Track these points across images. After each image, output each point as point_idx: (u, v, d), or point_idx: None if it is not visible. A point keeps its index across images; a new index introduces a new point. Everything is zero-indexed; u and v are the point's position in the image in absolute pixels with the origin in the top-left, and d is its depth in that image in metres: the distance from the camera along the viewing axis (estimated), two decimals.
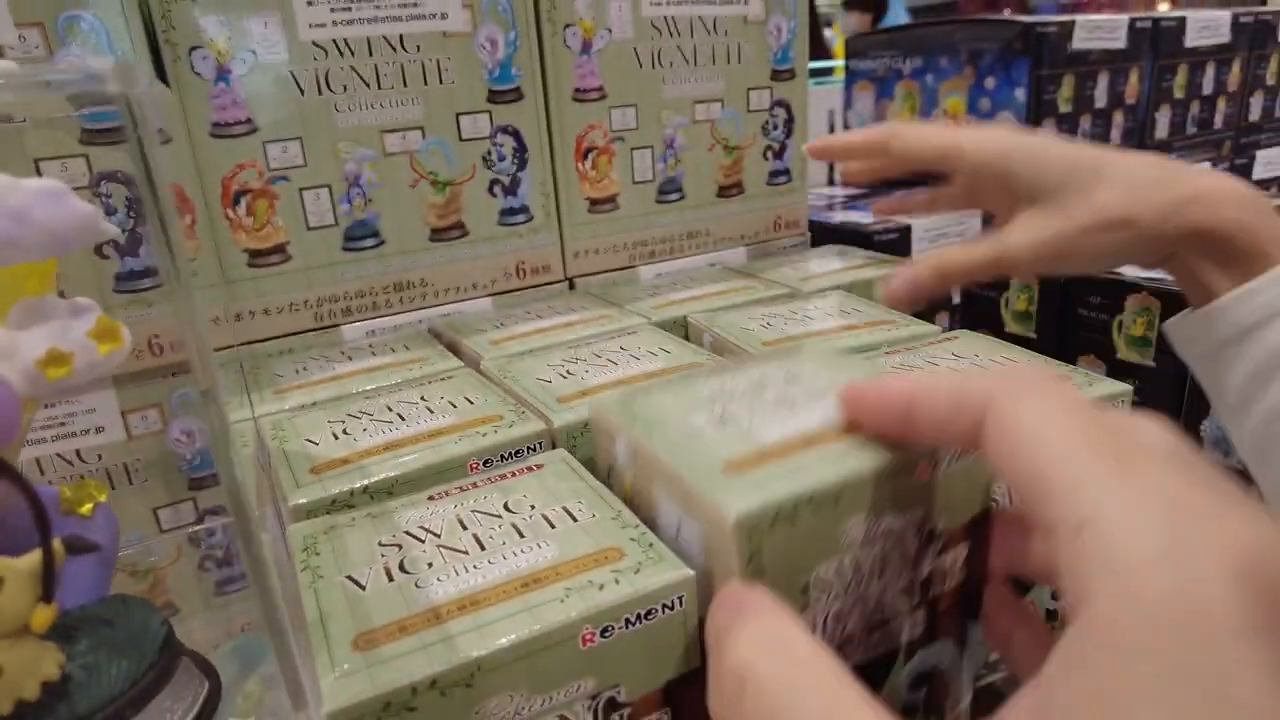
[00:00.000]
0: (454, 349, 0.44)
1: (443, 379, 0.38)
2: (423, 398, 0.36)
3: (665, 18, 0.51)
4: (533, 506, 0.27)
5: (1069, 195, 0.40)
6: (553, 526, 0.25)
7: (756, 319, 0.42)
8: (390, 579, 0.23)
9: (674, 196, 0.55)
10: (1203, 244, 0.39)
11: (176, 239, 0.16)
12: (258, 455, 0.34)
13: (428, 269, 0.48)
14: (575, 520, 0.26)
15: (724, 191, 0.56)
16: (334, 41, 0.43)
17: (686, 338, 0.43)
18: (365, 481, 0.29)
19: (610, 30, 0.49)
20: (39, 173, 0.39)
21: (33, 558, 0.18)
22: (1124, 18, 0.74)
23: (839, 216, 0.70)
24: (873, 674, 0.27)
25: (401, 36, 0.44)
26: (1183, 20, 0.78)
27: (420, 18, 0.44)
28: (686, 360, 0.38)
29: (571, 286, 0.53)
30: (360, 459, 0.31)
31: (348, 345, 0.46)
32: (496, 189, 0.49)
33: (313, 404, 0.38)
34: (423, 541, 0.25)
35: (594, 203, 0.52)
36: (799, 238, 0.60)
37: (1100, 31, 0.73)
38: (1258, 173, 0.88)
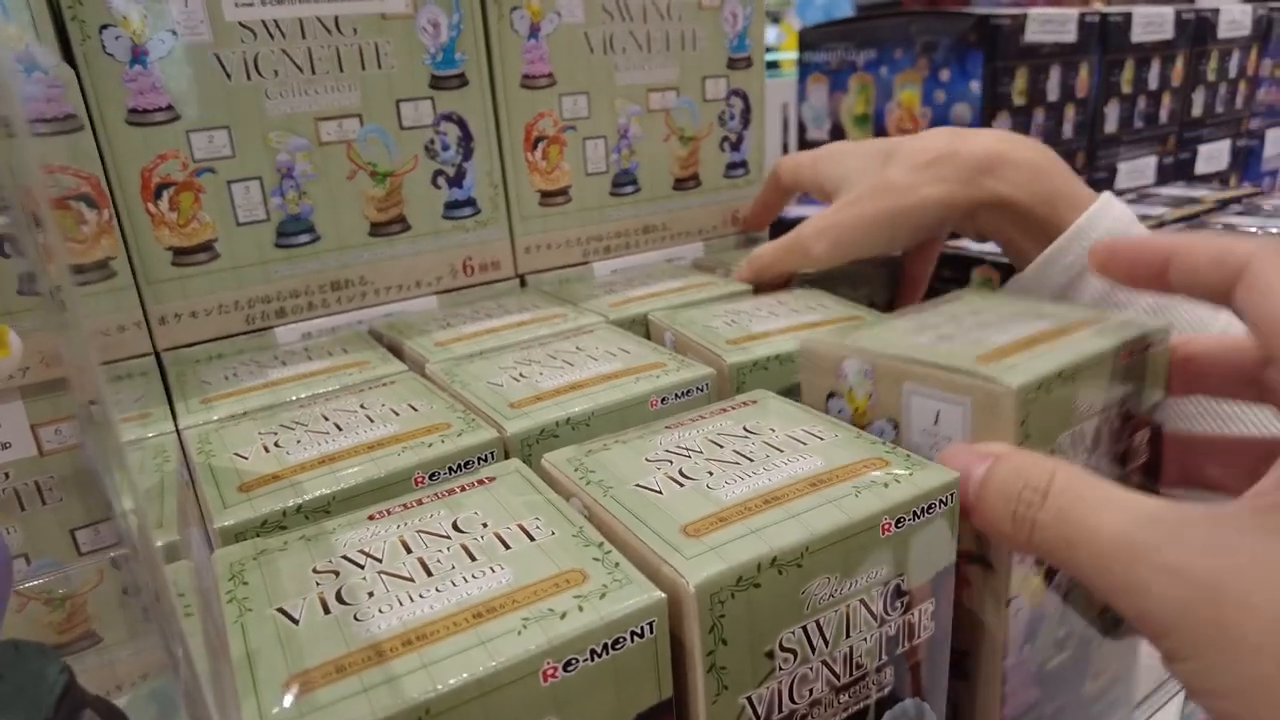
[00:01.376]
0: (396, 351, 0.41)
1: (384, 384, 0.36)
2: (362, 405, 0.33)
3: (616, 1, 0.48)
4: (484, 525, 0.24)
5: (861, 182, 0.43)
6: (507, 547, 0.23)
7: (720, 316, 0.41)
8: (326, 611, 0.21)
9: (629, 189, 0.52)
10: (1002, 212, 0.41)
11: (50, 241, 0.13)
12: (180, 472, 0.31)
13: (367, 266, 0.45)
14: (532, 539, 0.23)
15: (680, 184, 0.54)
16: (263, 22, 0.40)
17: (647, 336, 0.41)
18: (299, 500, 0.27)
19: (559, 14, 0.47)
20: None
21: None
22: (1074, 12, 0.74)
23: (795, 211, 0.69)
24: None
25: (337, 18, 0.41)
26: (1129, 16, 0.78)
27: None
28: (648, 360, 0.35)
29: (523, 284, 0.51)
30: (293, 474, 0.28)
31: (281, 349, 0.43)
32: (440, 180, 0.46)
33: (243, 414, 0.35)
34: (362, 567, 0.23)
35: (545, 195, 0.50)
36: (758, 232, 0.58)
37: (1051, 25, 0.72)
38: (1200, 167, 0.89)
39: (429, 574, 0.22)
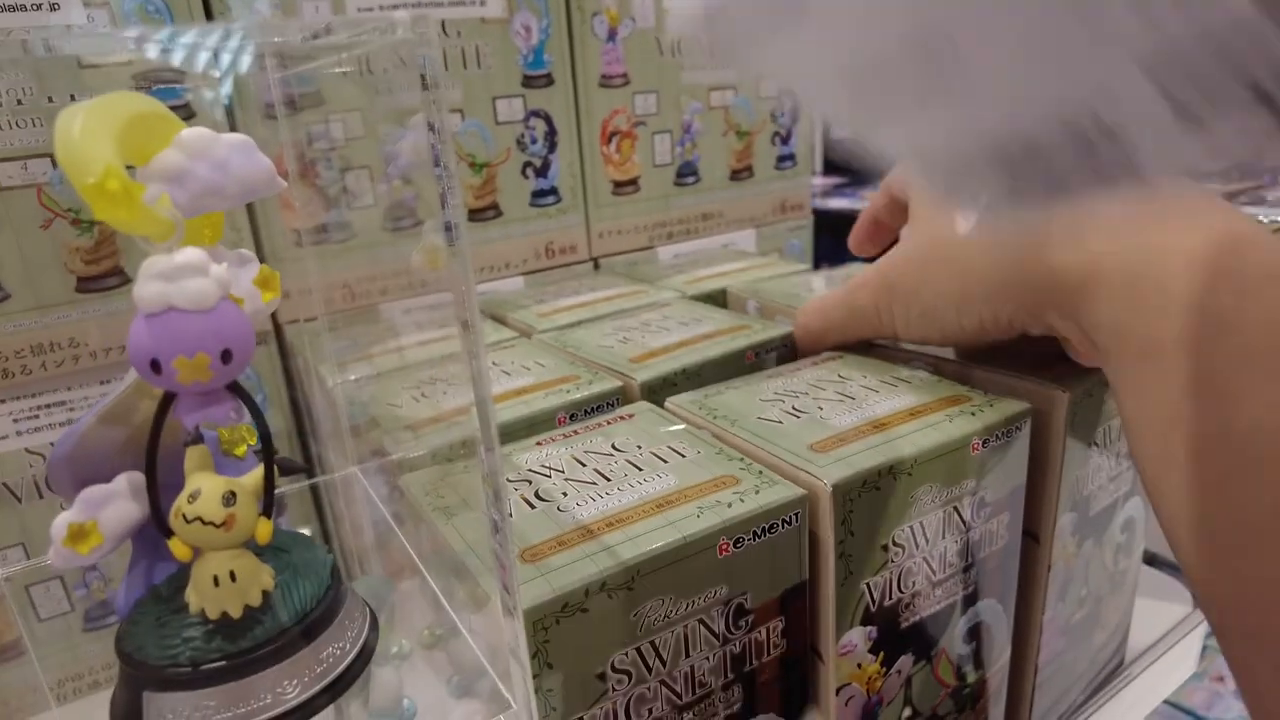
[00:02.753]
0: (501, 323, 0.46)
1: (505, 348, 0.40)
2: (494, 363, 0.38)
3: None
4: (639, 446, 0.29)
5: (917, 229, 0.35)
6: (665, 461, 0.28)
7: (796, 287, 0.45)
8: (532, 506, 0.26)
9: (690, 179, 0.57)
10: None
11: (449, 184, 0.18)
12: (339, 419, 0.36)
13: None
14: (683, 456, 0.28)
15: (736, 175, 0.59)
16: None
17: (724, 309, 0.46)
18: (467, 434, 0.31)
19: (634, 19, 0.52)
20: None
21: (255, 476, 0.20)
22: None
23: (832, 202, 0.74)
24: (935, 627, 0.30)
25: (444, 21, 0.46)
26: None
27: (461, 3, 0.46)
28: (736, 323, 0.40)
29: (596, 266, 0.55)
30: (453, 416, 0.33)
31: (385, 322, 0.47)
32: (529, 171, 0.51)
33: (376, 375, 0.39)
34: (548, 477, 0.27)
35: (617, 185, 0.54)
36: (803, 219, 0.63)
37: None
38: None
39: (607, 479, 0.27)
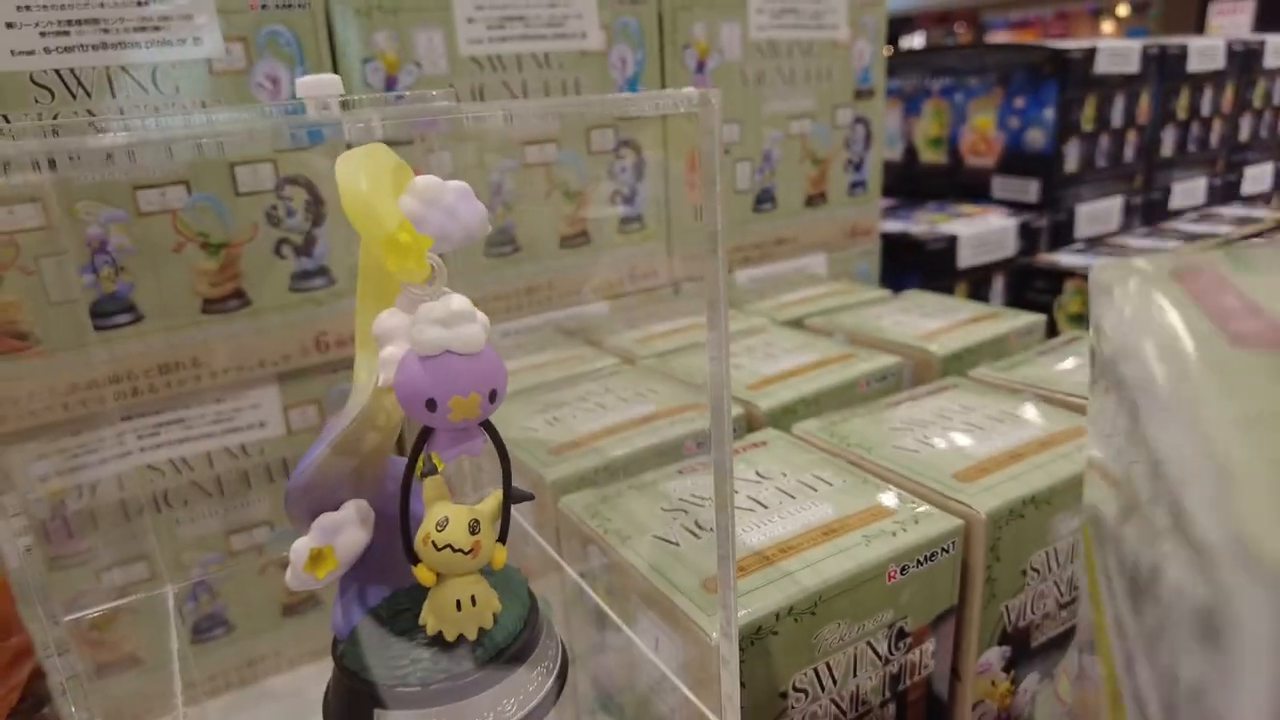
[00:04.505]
0: (595, 347, 0.47)
1: (610, 374, 0.42)
2: (608, 389, 0.39)
3: (769, 40, 0.55)
4: (784, 474, 0.30)
5: None
6: (814, 490, 0.29)
7: (872, 318, 0.47)
8: (696, 536, 0.27)
9: (767, 205, 0.59)
10: None
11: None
12: None
13: (556, 275, 0.52)
14: (831, 485, 0.29)
15: (810, 201, 0.61)
16: (489, 57, 0.46)
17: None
18: (604, 461, 0.33)
19: (722, 52, 0.53)
20: (233, 175, 0.41)
21: (493, 504, 0.21)
22: (1136, 44, 0.81)
23: (887, 225, 0.75)
24: (1060, 648, 0.31)
25: (547, 54, 0.48)
26: (1184, 48, 0.85)
27: (563, 36, 0.48)
28: (840, 352, 0.41)
29: (676, 290, 0.57)
30: (589, 441, 0.34)
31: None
32: (617, 199, 0.52)
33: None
34: (702, 506, 0.29)
35: (699, 211, 0.56)
36: (872, 244, 0.65)
37: (1118, 57, 0.79)
38: (1246, 188, 0.96)
39: (765, 507, 0.28)
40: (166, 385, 0.42)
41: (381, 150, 0.21)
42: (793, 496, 0.29)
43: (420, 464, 0.21)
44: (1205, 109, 0.89)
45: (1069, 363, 0.39)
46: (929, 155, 0.89)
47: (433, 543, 0.20)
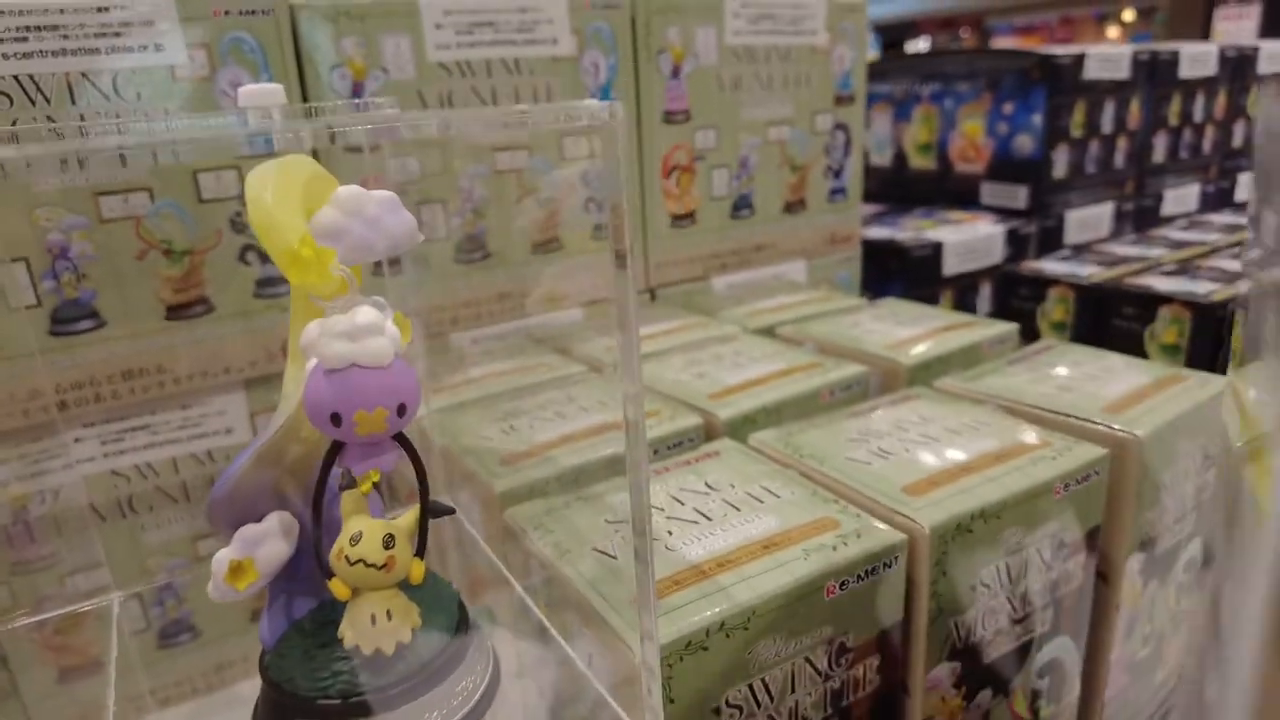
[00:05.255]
0: (565, 355, 0.47)
1: (576, 382, 0.42)
2: (570, 397, 0.39)
3: (745, 46, 0.55)
4: (732, 485, 0.30)
5: None
6: (761, 501, 0.29)
7: (849, 326, 0.46)
8: None
9: (745, 212, 0.58)
10: None
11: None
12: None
13: (530, 282, 0.51)
14: (778, 496, 0.29)
15: (789, 207, 0.60)
16: (457, 63, 0.46)
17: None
18: (557, 471, 0.32)
19: (697, 56, 0.53)
20: (197, 182, 0.41)
21: (410, 518, 0.21)
22: (1127, 50, 0.80)
23: (872, 231, 0.75)
24: (1013, 663, 0.31)
25: (517, 59, 0.47)
26: (1176, 53, 0.84)
27: (534, 42, 0.48)
28: (806, 360, 0.41)
29: (653, 297, 0.57)
30: (542, 451, 0.34)
31: (456, 351, 0.49)
32: (590, 205, 0.52)
33: (460, 405, 0.40)
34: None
35: (675, 218, 0.56)
36: (852, 251, 0.64)
37: (1108, 63, 0.78)
38: (1239, 194, 0.95)
39: (708, 519, 0.28)
40: (130, 391, 0.42)
41: (298, 162, 0.20)
42: (738, 509, 0.28)
43: (343, 476, 0.21)
44: (1198, 115, 0.88)
45: (1036, 372, 0.38)
46: (918, 161, 0.89)
47: (346, 557, 0.20)
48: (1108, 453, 0.31)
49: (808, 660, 0.25)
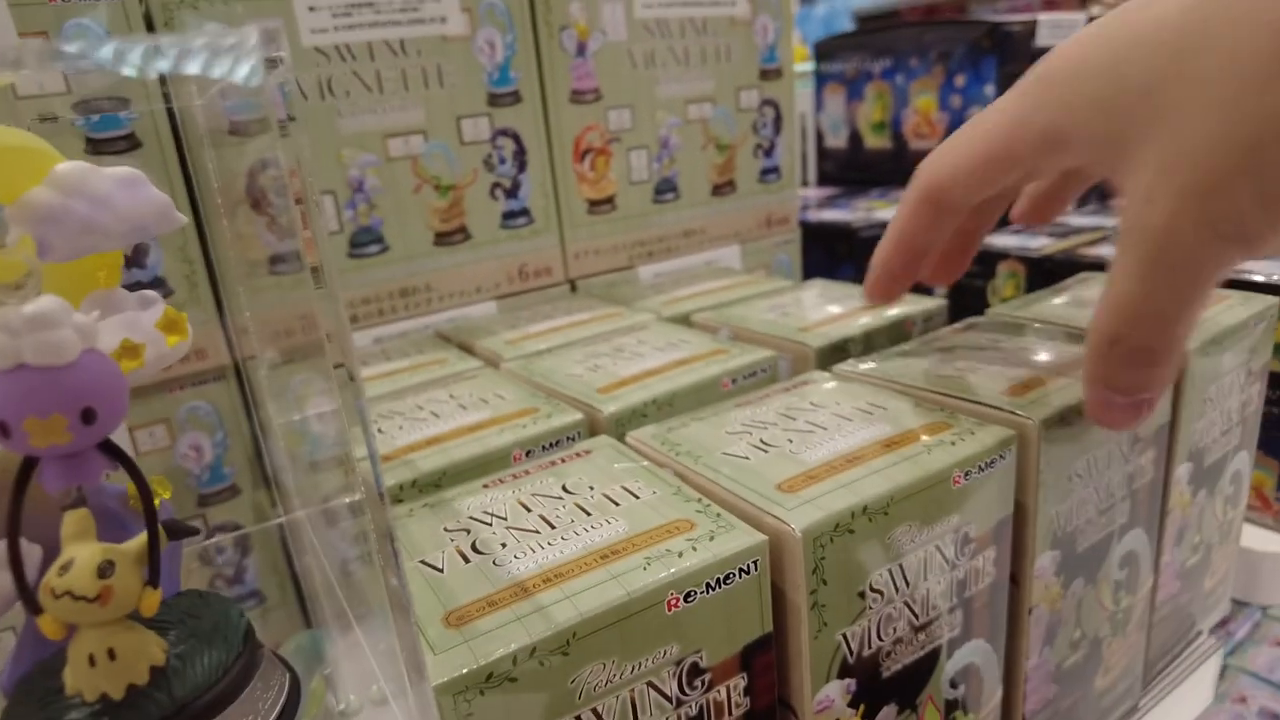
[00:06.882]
0: (467, 351, 0.44)
1: (467, 378, 0.38)
2: (451, 395, 0.36)
3: (657, 19, 0.51)
4: (591, 488, 0.27)
5: None
6: (616, 504, 0.26)
7: (773, 310, 0.43)
8: (466, 560, 0.23)
9: (669, 196, 0.55)
10: None
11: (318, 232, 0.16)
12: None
13: (432, 274, 0.48)
14: (638, 498, 0.26)
15: (718, 190, 0.57)
16: (335, 47, 0.43)
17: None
18: (414, 475, 0.29)
19: (604, 32, 0.50)
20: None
21: (139, 542, 0.18)
22: (1081, 16, 0.77)
23: (826, 214, 0.72)
24: (920, 674, 0.28)
25: (403, 41, 0.44)
26: None
27: (420, 21, 0.45)
28: (711, 348, 0.38)
29: (573, 288, 0.53)
30: (404, 454, 0.31)
31: (358, 352, 0.46)
32: (498, 192, 0.49)
33: (318, 415, 0.37)
34: (489, 525, 0.25)
35: (593, 204, 0.53)
36: (790, 234, 0.61)
37: (1060, 29, 0.75)
38: None
39: (552, 527, 0.25)
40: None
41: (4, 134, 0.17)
42: (589, 514, 0.25)
43: (67, 494, 0.18)
44: None
45: (948, 353, 0.35)
46: (873, 141, 0.86)
47: (52, 589, 0.17)
48: (1015, 434, 0.28)
49: (650, 685, 0.22)
